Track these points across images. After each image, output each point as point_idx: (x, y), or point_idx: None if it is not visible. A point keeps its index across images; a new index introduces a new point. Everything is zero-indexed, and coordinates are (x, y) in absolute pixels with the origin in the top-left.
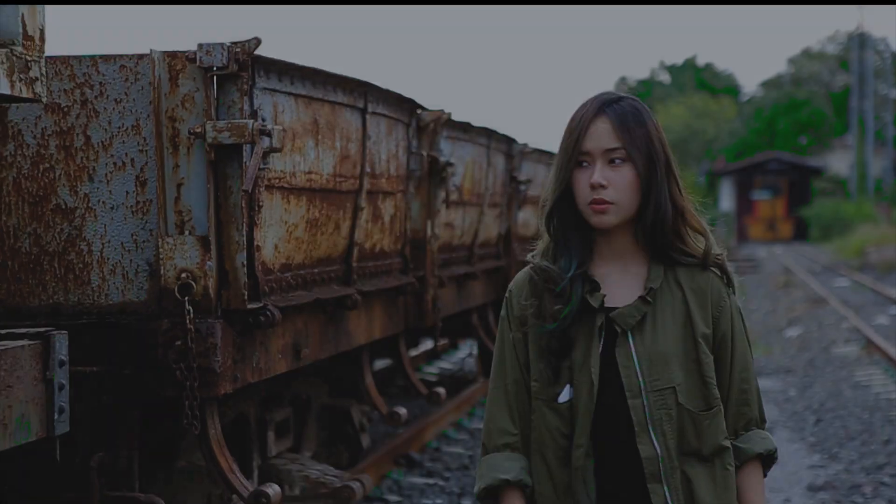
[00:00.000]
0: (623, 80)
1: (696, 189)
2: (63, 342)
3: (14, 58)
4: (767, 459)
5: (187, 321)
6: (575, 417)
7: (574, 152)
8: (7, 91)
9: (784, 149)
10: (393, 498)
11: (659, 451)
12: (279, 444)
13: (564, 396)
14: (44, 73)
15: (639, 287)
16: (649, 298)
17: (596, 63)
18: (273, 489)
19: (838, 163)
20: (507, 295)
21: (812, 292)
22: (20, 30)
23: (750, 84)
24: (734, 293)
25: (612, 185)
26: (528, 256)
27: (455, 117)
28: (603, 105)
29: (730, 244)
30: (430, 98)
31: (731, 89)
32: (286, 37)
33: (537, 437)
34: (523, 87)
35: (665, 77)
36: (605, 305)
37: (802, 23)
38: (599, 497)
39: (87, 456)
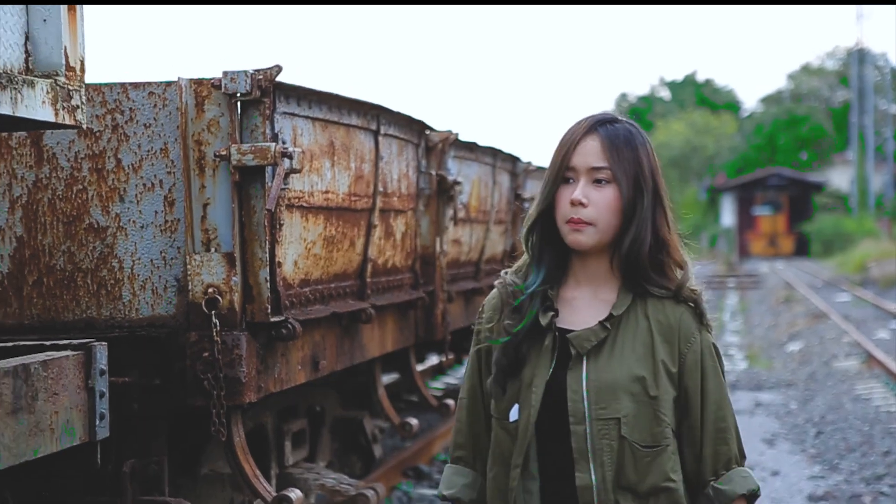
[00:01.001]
0: (623, 96)
1: (696, 205)
2: (103, 353)
3: (58, 87)
4: (750, 498)
5: (214, 334)
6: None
7: (561, 168)
8: (51, 119)
9: (785, 164)
10: None
11: (595, 481)
12: (295, 454)
13: (514, 415)
14: (84, 101)
15: (604, 312)
16: (608, 325)
17: (596, 80)
18: (295, 493)
19: (839, 178)
20: (480, 309)
21: (813, 307)
22: (63, 61)
23: (750, 100)
24: (709, 330)
25: (592, 205)
26: (502, 272)
27: (454, 132)
28: (596, 124)
29: (731, 260)
30: (430, 114)
31: (732, 105)
32: (282, 42)
33: (492, 453)
34: (524, 104)
35: (665, 93)
36: (566, 327)
37: (801, 38)
38: None
39: (118, 462)
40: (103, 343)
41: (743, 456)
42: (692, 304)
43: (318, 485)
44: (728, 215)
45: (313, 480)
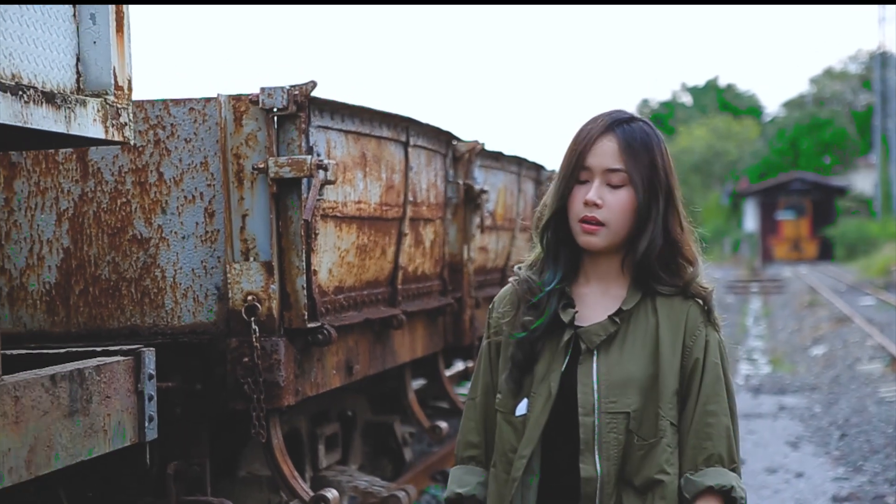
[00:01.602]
0: (645, 102)
1: (719, 211)
2: (151, 358)
3: (107, 106)
4: (724, 496)
5: (254, 339)
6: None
7: (576, 166)
8: (102, 136)
9: (808, 169)
10: None
11: (600, 473)
12: (329, 457)
13: (521, 410)
14: (131, 118)
15: (614, 309)
16: (617, 319)
17: (618, 85)
18: (332, 493)
19: (862, 182)
20: (490, 306)
21: (837, 311)
22: (112, 80)
23: (772, 104)
24: (715, 328)
25: (606, 206)
26: (515, 268)
27: (481, 142)
28: (613, 124)
29: (755, 265)
30: (450, 119)
31: (754, 110)
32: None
33: (496, 449)
34: (546, 110)
35: (687, 99)
36: (577, 323)
37: (824, 42)
38: None
39: (162, 464)
40: (151, 349)
41: (732, 461)
42: (700, 301)
43: (350, 487)
44: (751, 220)
45: (346, 482)
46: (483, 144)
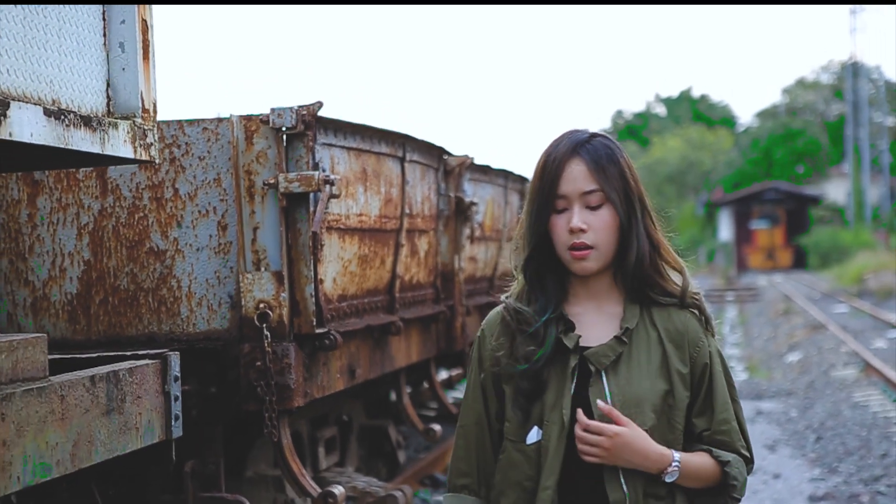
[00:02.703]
0: (619, 113)
1: (694, 220)
2: (176, 361)
3: (136, 128)
4: (727, 486)
5: (265, 345)
6: (543, 459)
7: (549, 196)
8: (131, 155)
9: (781, 178)
10: None
11: (627, 493)
12: (328, 459)
13: (532, 438)
14: (156, 138)
15: (613, 326)
16: (625, 339)
17: (592, 97)
18: (338, 490)
19: (835, 191)
20: (478, 334)
21: (812, 318)
22: (139, 104)
23: (745, 115)
24: (713, 335)
25: (591, 229)
26: (502, 297)
27: (470, 157)
28: (576, 146)
29: (730, 274)
30: (426, 128)
31: (727, 120)
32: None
33: (502, 478)
34: (520, 121)
35: (661, 109)
36: (580, 345)
37: (796, 53)
38: None
39: (178, 463)
40: (176, 353)
41: (749, 459)
42: (696, 311)
43: (349, 487)
44: (725, 230)
45: (345, 483)
46: (472, 158)
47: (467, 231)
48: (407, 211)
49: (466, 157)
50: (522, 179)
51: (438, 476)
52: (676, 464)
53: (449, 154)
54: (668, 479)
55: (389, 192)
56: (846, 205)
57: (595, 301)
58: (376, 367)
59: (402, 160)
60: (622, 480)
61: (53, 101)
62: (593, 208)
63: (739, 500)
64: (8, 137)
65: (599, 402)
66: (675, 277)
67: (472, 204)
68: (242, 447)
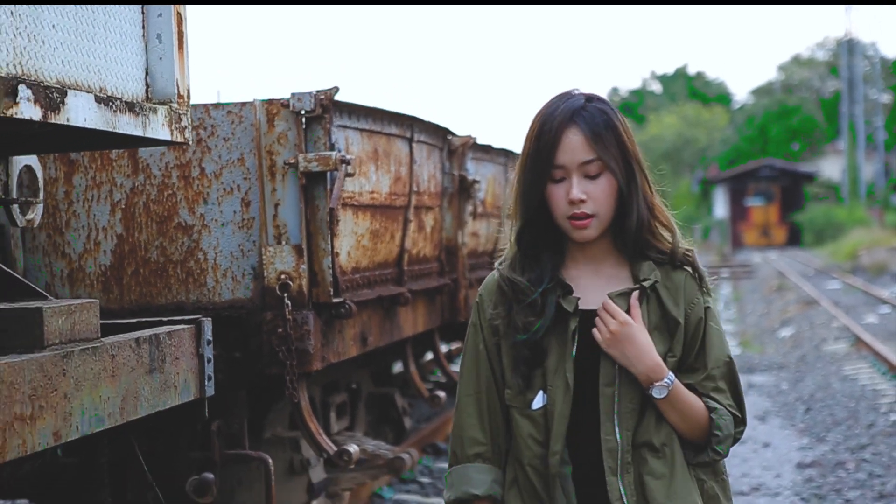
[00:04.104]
0: (615, 90)
1: (689, 198)
2: (209, 326)
3: (172, 112)
4: (711, 436)
5: (286, 313)
6: (549, 423)
7: (546, 166)
8: (168, 138)
9: (776, 155)
10: (425, 480)
11: (619, 441)
12: (338, 424)
13: (538, 403)
14: (190, 122)
15: (611, 288)
16: (648, 290)
17: (588, 74)
18: (353, 448)
19: (830, 168)
20: (477, 300)
21: (805, 294)
22: (175, 90)
23: (741, 92)
24: (708, 294)
25: (591, 198)
26: (496, 264)
27: (473, 136)
28: (572, 115)
29: (724, 251)
30: (423, 106)
31: (723, 97)
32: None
33: (514, 445)
34: (515, 97)
35: (657, 87)
36: (579, 308)
37: (792, 30)
38: (580, 500)
39: (206, 423)
40: (209, 318)
41: (741, 419)
42: (690, 268)
43: (360, 449)
44: (721, 207)
45: (356, 445)
46: (475, 138)
47: (470, 208)
48: (415, 188)
49: (469, 136)
50: None
51: (440, 444)
52: (669, 380)
53: (453, 134)
54: (656, 395)
55: (399, 171)
56: (841, 182)
57: (593, 264)
58: (386, 336)
59: (410, 141)
60: (616, 427)
61: (101, 89)
62: (592, 177)
63: (721, 456)
64: (66, 122)
65: (605, 300)
66: (668, 236)
67: (475, 182)
68: (261, 411)
